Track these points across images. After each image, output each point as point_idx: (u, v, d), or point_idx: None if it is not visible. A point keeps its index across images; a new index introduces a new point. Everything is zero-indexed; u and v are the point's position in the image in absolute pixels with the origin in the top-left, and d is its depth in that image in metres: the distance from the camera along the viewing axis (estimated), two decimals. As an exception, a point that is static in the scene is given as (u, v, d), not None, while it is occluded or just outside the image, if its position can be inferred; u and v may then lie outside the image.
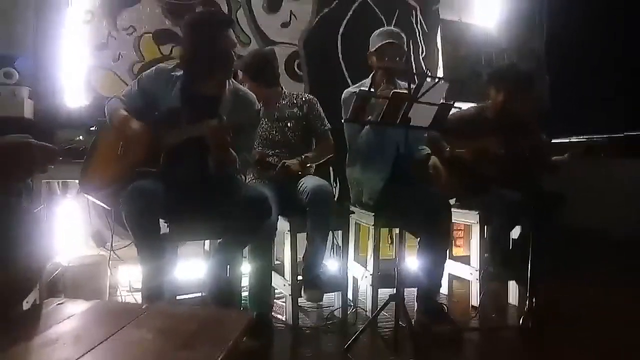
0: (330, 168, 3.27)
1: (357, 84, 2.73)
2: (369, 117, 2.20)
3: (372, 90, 2.16)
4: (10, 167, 1.14)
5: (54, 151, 1.19)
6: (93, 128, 2.56)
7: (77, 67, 3.00)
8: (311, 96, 2.79)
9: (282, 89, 2.78)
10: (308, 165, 2.59)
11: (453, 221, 2.92)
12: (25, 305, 1.34)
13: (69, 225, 2.87)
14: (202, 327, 1.07)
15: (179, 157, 2.11)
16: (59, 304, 1.15)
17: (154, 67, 2.29)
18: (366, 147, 2.56)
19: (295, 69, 3.49)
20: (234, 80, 2.32)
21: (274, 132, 2.67)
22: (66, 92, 2.95)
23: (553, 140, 2.67)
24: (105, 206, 2.23)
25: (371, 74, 2.70)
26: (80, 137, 2.60)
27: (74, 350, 0.92)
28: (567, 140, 2.63)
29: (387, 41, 2.61)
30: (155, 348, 0.95)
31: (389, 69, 2.57)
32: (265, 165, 2.49)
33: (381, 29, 2.77)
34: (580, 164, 2.63)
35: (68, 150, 2.49)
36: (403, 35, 2.69)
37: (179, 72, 2.22)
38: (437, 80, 2.13)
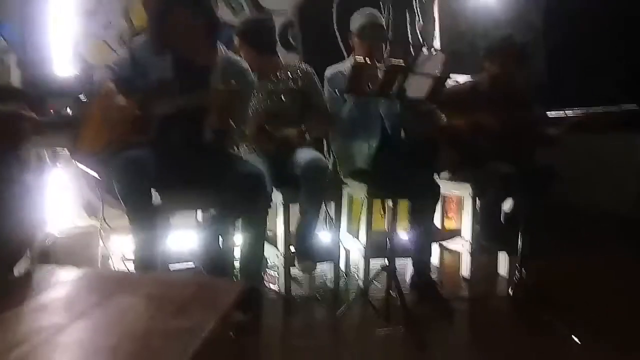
0: (324, 140, 3.25)
1: (337, 64, 2.71)
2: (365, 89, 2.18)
3: (367, 61, 2.13)
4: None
5: (42, 124, 1.16)
6: (82, 97, 2.52)
7: (65, 34, 2.92)
8: (309, 68, 2.72)
9: (279, 59, 2.70)
10: (306, 136, 2.58)
11: (445, 194, 2.94)
12: (16, 273, 1.33)
13: (59, 195, 2.85)
14: (194, 295, 1.07)
15: (171, 127, 2.08)
16: (49, 270, 1.15)
17: (144, 36, 2.23)
18: (350, 120, 2.57)
19: (289, 38, 3.42)
20: (226, 49, 2.27)
21: (269, 105, 2.62)
22: (54, 61, 2.88)
23: (548, 113, 2.66)
24: (96, 175, 2.21)
25: (351, 54, 2.67)
26: (68, 109, 2.54)
27: (66, 315, 0.92)
28: (563, 113, 2.60)
29: (368, 22, 2.58)
30: (148, 315, 0.96)
31: (370, 51, 2.53)
32: (264, 135, 2.46)
33: (362, 8, 2.70)
34: (575, 137, 2.63)
35: (57, 121, 2.45)
36: (382, 18, 2.70)
37: None
38: (433, 51, 2.10)
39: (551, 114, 2.68)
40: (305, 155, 2.42)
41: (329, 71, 2.67)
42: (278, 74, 2.63)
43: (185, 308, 0.99)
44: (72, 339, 0.84)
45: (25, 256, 1.86)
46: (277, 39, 2.77)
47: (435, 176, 2.62)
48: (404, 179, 2.35)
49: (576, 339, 2.03)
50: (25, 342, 0.80)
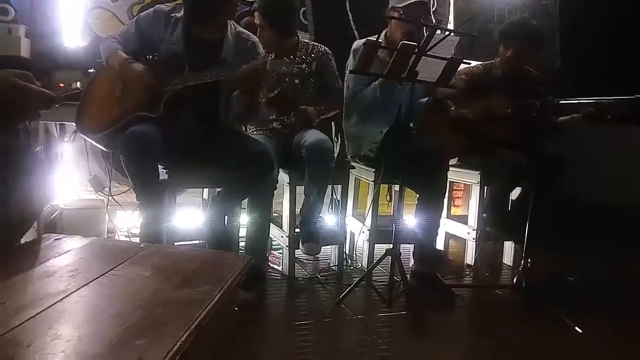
0: (332, 123, 3.23)
1: (370, 37, 2.62)
2: (376, 71, 2.15)
3: (380, 40, 2.09)
4: (4, 108, 1.10)
5: (51, 98, 1.15)
6: (91, 70, 2.50)
7: (75, 6, 2.90)
8: (326, 49, 2.65)
9: (298, 38, 2.64)
10: (322, 116, 2.55)
11: (453, 181, 2.92)
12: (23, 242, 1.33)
13: (66, 168, 2.85)
14: (201, 267, 1.07)
15: (181, 103, 2.07)
16: (56, 239, 1.15)
17: (152, 9, 2.21)
18: (371, 101, 2.49)
19: (301, 17, 3.36)
20: (235, 23, 2.24)
21: (284, 86, 2.56)
22: (63, 32, 2.86)
23: (560, 101, 2.62)
24: (103, 148, 2.20)
25: (385, 30, 2.56)
26: (78, 84, 2.51)
27: (72, 283, 0.92)
28: (575, 101, 2.56)
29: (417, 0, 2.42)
30: (154, 284, 0.95)
31: (410, 32, 2.40)
32: (282, 106, 2.43)
33: None
34: (586, 127, 2.60)
35: (66, 96, 2.43)
36: None
37: (179, 14, 2.14)
38: (447, 33, 2.06)
39: (564, 101, 2.64)
40: (311, 136, 2.40)
41: (357, 44, 2.54)
42: (289, 58, 2.56)
43: (190, 279, 0.99)
44: (78, 306, 0.84)
45: (32, 228, 1.86)
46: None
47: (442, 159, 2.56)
48: (412, 168, 2.32)
49: (578, 329, 2.03)
50: (31, 308, 0.80)
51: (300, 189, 2.47)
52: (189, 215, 2.67)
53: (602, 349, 1.95)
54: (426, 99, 2.60)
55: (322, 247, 2.48)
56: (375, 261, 2.40)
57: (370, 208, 2.58)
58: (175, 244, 2.24)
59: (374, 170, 2.56)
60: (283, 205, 2.53)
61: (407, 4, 2.44)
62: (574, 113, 2.54)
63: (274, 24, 2.44)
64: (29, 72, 1.14)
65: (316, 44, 2.68)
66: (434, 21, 2.34)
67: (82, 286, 0.91)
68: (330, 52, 2.65)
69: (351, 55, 2.55)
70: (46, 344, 0.69)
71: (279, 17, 2.44)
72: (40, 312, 0.79)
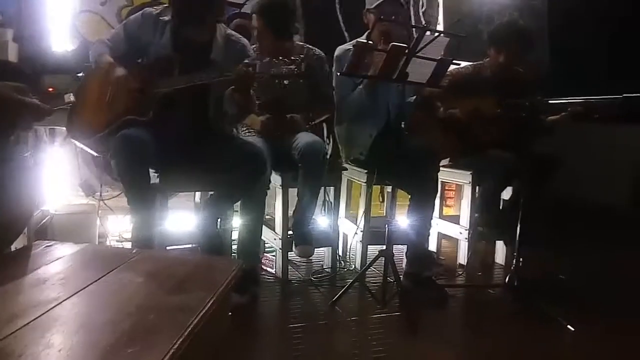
0: (324, 125, 3.23)
1: (351, 42, 2.63)
2: (366, 73, 2.15)
3: (370, 42, 2.10)
4: None
5: (45, 112, 1.13)
6: (80, 74, 2.48)
7: (63, 9, 2.87)
8: (321, 53, 2.64)
9: (294, 42, 2.62)
10: (312, 122, 2.55)
11: (445, 181, 2.94)
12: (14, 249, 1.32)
13: (57, 173, 2.83)
14: (193, 272, 1.06)
15: (171, 106, 2.06)
16: (47, 246, 1.14)
17: (140, 12, 2.19)
18: (358, 106, 2.49)
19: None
20: (224, 25, 2.24)
21: (274, 89, 2.56)
22: (51, 36, 2.84)
23: (550, 101, 2.64)
24: (93, 153, 2.19)
25: (366, 33, 2.57)
26: (71, 97, 2.47)
27: (63, 290, 0.91)
28: (564, 101, 2.58)
29: None
30: (146, 291, 0.95)
31: (387, 31, 2.41)
32: (273, 110, 2.41)
33: None
34: (575, 127, 2.62)
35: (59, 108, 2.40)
36: None
37: (167, 17, 2.14)
38: (437, 34, 2.07)
39: (553, 101, 2.66)
40: (304, 139, 2.40)
41: (339, 50, 2.56)
42: (290, 57, 2.54)
43: (183, 285, 0.98)
44: (70, 314, 0.83)
45: (22, 234, 1.85)
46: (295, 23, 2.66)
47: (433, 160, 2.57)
48: (403, 169, 2.32)
49: (570, 327, 2.04)
50: (23, 316, 0.80)
51: (292, 191, 2.47)
52: (181, 219, 2.66)
53: (594, 347, 1.97)
54: (414, 97, 2.61)
55: (315, 249, 2.48)
56: (368, 262, 2.41)
57: (363, 209, 2.59)
58: (168, 248, 2.22)
59: (366, 171, 2.57)
60: (275, 207, 2.53)
61: (379, 3, 2.46)
62: (563, 112, 2.56)
63: (272, 27, 2.43)
64: (24, 85, 1.12)
65: (311, 47, 2.67)
66: (423, 19, 2.34)
67: (74, 294, 0.90)
68: (325, 57, 2.64)
69: (335, 63, 2.56)
70: (38, 354, 0.69)
71: (278, 19, 2.43)
72: (32, 320, 0.78)
